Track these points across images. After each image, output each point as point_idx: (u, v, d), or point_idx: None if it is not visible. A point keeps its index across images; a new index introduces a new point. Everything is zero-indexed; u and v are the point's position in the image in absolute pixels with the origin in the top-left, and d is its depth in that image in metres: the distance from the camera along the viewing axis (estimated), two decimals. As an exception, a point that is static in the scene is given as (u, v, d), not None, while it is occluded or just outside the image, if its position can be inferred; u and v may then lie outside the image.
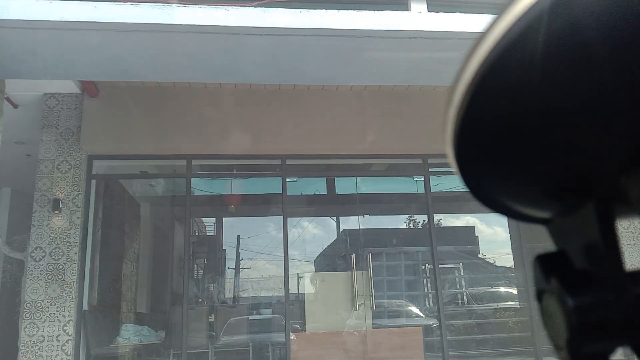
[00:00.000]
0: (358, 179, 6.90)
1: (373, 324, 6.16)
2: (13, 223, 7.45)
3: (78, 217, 5.46)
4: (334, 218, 7.54)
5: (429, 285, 6.92)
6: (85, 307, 5.49)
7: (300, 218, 6.71)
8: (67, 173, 5.55)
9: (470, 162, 0.31)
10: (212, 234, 8.63)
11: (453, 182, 6.23)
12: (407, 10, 4.06)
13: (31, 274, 5.27)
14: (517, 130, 0.28)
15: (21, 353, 5.08)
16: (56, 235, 5.37)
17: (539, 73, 0.25)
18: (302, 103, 6.01)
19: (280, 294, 6.02)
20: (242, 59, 4.16)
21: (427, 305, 6.90)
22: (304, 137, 5.98)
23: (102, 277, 6.08)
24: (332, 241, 7.29)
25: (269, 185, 6.82)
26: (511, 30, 0.25)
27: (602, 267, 0.29)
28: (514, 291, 7.13)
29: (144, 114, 5.87)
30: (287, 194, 6.13)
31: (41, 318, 5.17)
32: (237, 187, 7.21)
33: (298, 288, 6.53)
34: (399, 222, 7.71)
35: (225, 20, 3.67)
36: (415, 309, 6.86)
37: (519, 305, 6.82)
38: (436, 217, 6.45)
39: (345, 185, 7.26)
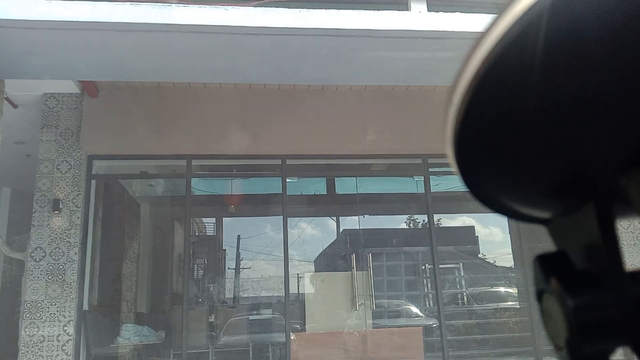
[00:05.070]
0: (358, 179, 6.90)
1: (373, 324, 6.16)
2: (13, 223, 7.45)
3: (78, 217, 5.46)
4: (334, 218, 7.54)
5: (429, 285, 6.92)
6: (85, 307, 5.49)
7: (300, 218, 6.71)
8: (67, 173, 5.55)
9: (470, 162, 0.31)
10: (212, 234, 8.62)
11: (453, 182, 6.23)
12: (407, 10, 4.06)
13: (31, 274, 5.27)
14: (517, 130, 0.28)
15: (21, 353, 5.08)
16: (56, 235, 5.37)
17: (539, 73, 0.25)
18: (302, 103, 6.01)
19: (280, 294, 6.02)
20: (242, 59, 4.16)
21: (427, 305, 6.90)
22: (304, 137, 5.98)
23: (102, 277, 6.08)
24: (332, 241, 7.28)
25: (269, 185, 6.82)
26: (511, 30, 0.25)
27: (602, 267, 0.29)
28: (514, 291, 7.13)
29: (144, 114, 5.87)
30: (287, 194, 6.13)
31: (41, 318, 5.17)
32: (237, 187, 7.20)
33: (298, 288, 6.53)
34: (399, 222, 7.71)
35: (225, 20, 3.67)
36: (415, 309, 6.85)
37: (519, 305, 6.82)
38: (436, 217, 6.45)
39: (345, 185, 7.26)
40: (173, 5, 3.68)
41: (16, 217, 7.38)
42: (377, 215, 7.83)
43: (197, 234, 8.53)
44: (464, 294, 7.33)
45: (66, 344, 5.16)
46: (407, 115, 6.07)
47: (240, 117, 5.96)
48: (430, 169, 6.33)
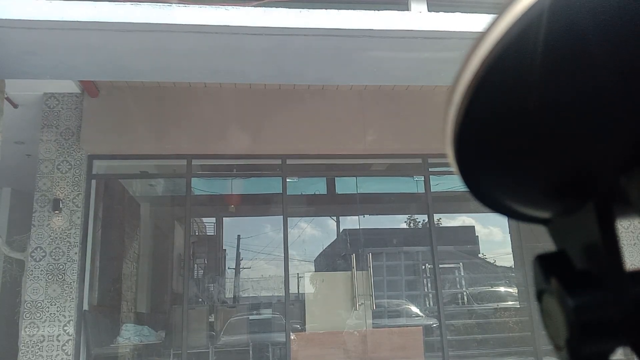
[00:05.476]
0: (358, 179, 6.90)
1: (373, 323, 6.16)
2: (13, 223, 7.45)
3: (78, 217, 5.46)
4: (334, 218, 7.54)
5: (429, 285, 6.92)
6: (85, 307, 5.49)
7: (300, 218, 6.71)
8: (67, 173, 5.55)
9: (470, 162, 0.31)
10: (212, 234, 8.63)
11: (453, 182, 6.23)
12: (407, 10, 4.06)
13: (31, 274, 5.27)
14: (517, 130, 0.28)
15: (21, 353, 5.08)
16: (56, 235, 5.37)
17: (539, 73, 0.25)
18: (302, 103, 6.01)
19: (281, 294, 6.02)
20: (242, 59, 4.16)
21: (427, 305, 6.90)
22: (304, 137, 5.98)
23: (102, 277, 6.08)
24: (332, 241, 7.28)
25: (269, 185, 6.81)
26: (511, 30, 0.25)
27: (602, 267, 0.29)
28: (514, 291, 7.13)
29: (144, 114, 5.87)
30: (287, 194, 6.13)
31: (41, 318, 5.17)
32: (237, 187, 7.20)
33: (298, 288, 6.53)
34: (399, 222, 7.71)
35: (225, 20, 3.67)
36: (415, 309, 6.85)
37: (519, 305, 6.82)
38: (436, 217, 6.45)
39: (345, 185, 7.26)
40: (173, 5, 3.68)
41: (16, 217, 7.38)
42: (377, 215, 7.82)
43: (197, 233, 8.54)
44: (464, 293, 7.33)
45: (66, 343, 5.16)
46: (407, 115, 6.07)
47: (240, 117, 5.96)
48: (430, 169, 6.33)
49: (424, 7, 4.04)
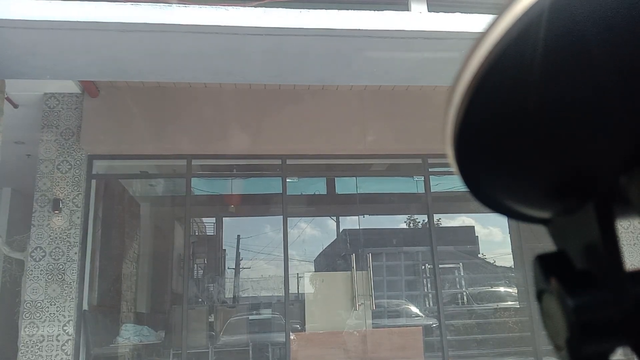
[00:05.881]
0: (358, 179, 6.90)
1: (373, 324, 6.16)
2: (13, 223, 7.45)
3: (78, 217, 5.46)
4: (334, 218, 7.54)
5: (429, 285, 6.92)
6: (85, 307, 5.49)
7: (300, 218, 6.71)
8: (67, 173, 5.55)
9: (470, 162, 0.31)
10: (212, 234, 8.62)
11: (453, 182, 6.23)
12: (407, 10, 4.06)
13: (31, 274, 5.27)
14: (517, 130, 0.28)
15: (21, 353, 5.08)
16: (56, 235, 5.37)
17: (539, 73, 0.25)
18: (302, 103, 6.01)
19: (280, 294, 6.02)
20: (242, 59, 4.16)
21: (427, 305, 6.90)
22: (304, 137, 5.98)
23: (102, 277, 6.08)
24: (332, 241, 7.28)
25: (269, 185, 6.81)
26: (511, 30, 0.25)
27: (602, 267, 0.29)
28: (514, 291, 7.13)
29: (144, 114, 5.87)
30: (287, 194, 6.13)
31: (41, 318, 5.17)
32: (237, 187, 7.20)
33: (298, 288, 6.53)
34: (399, 222, 7.71)
35: (225, 20, 3.67)
36: (415, 309, 6.85)
37: (519, 305, 6.82)
38: (436, 217, 6.45)
39: (345, 185, 7.26)
40: (173, 5, 3.68)
41: (16, 217, 7.38)
42: (377, 215, 7.83)
43: (197, 233, 8.53)
44: (464, 293, 7.33)
45: (66, 343, 5.16)
46: (407, 115, 6.07)
47: (240, 117, 5.96)
48: (430, 169, 6.33)
49: (424, 7, 4.04)
